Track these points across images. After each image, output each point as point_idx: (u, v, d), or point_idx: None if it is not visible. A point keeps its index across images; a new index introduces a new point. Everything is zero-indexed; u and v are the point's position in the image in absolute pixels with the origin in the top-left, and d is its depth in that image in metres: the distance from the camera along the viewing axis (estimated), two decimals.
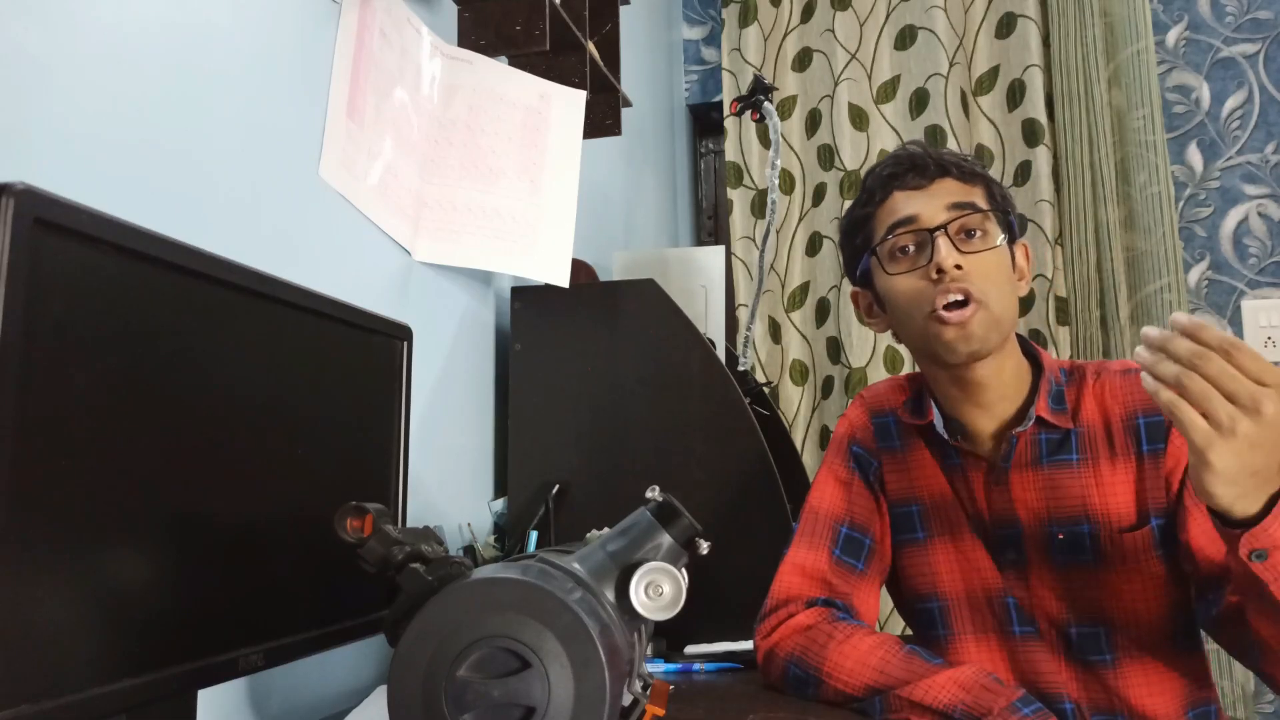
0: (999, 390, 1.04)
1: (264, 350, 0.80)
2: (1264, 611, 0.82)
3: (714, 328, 1.71)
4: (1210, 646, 1.04)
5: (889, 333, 1.14)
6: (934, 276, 0.99)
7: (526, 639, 0.62)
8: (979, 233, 1.02)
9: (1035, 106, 2.33)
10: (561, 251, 1.47)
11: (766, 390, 2.19)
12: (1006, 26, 2.39)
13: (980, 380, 1.03)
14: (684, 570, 0.74)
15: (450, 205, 1.42)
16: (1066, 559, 1.01)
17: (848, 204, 2.40)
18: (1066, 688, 1.01)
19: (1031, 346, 1.09)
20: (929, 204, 1.02)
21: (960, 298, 0.98)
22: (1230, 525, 0.79)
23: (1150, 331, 0.76)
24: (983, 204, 1.04)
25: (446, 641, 0.63)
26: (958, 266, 0.98)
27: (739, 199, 2.60)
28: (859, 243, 1.10)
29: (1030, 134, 2.33)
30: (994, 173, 2.11)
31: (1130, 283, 2.26)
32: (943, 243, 1.00)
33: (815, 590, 1.07)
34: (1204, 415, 0.74)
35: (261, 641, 0.77)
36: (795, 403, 2.48)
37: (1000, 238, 1.03)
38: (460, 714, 0.62)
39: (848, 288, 2.39)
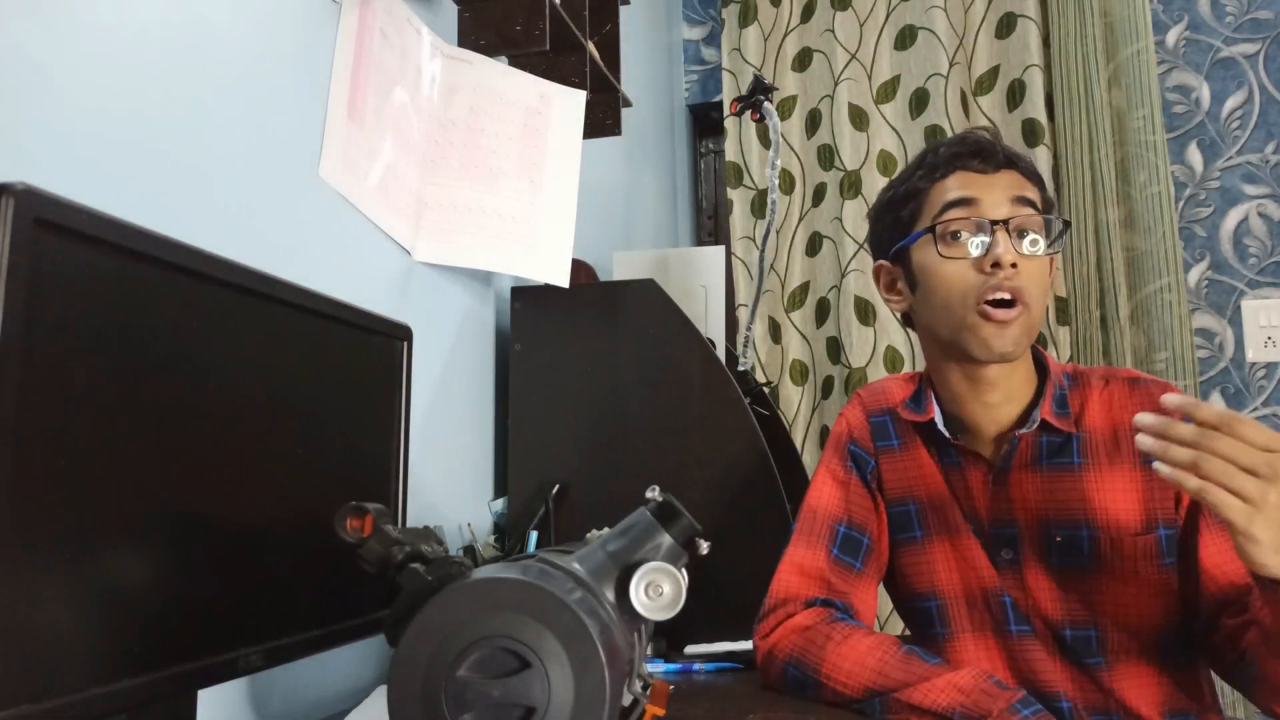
0: (1007, 391, 1.04)
1: (264, 350, 0.81)
2: None
3: (714, 328, 1.71)
4: None
5: (892, 327, 1.14)
6: (988, 270, 0.98)
7: (526, 639, 0.62)
8: (1032, 235, 1.01)
9: (1035, 106, 2.33)
10: (561, 251, 1.47)
11: (766, 390, 2.19)
12: (1006, 26, 2.39)
13: (992, 380, 1.03)
14: (684, 570, 0.74)
15: (450, 205, 1.42)
16: (1063, 561, 1.01)
17: (848, 204, 2.42)
18: (1063, 686, 1.00)
19: (1037, 349, 1.09)
20: (991, 192, 1.01)
21: (1009, 296, 0.98)
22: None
23: (1144, 418, 0.78)
24: (1040, 206, 1.03)
25: (446, 641, 0.63)
26: (1014, 265, 0.98)
27: (739, 199, 2.60)
28: (905, 215, 1.06)
29: (1030, 134, 2.33)
30: None
31: (1130, 283, 2.26)
32: (1002, 237, 0.98)
33: (814, 590, 1.07)
34: (1233, 493, 0.76)
35: (261, 641, 0.77)
36: (795, 403, 2.48)
37: (1047, 248, 1.02)
38: (460, 714, 0.62)
39: (848, 287, 2.39)
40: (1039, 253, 1.01)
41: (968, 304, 1.00)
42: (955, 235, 1.01)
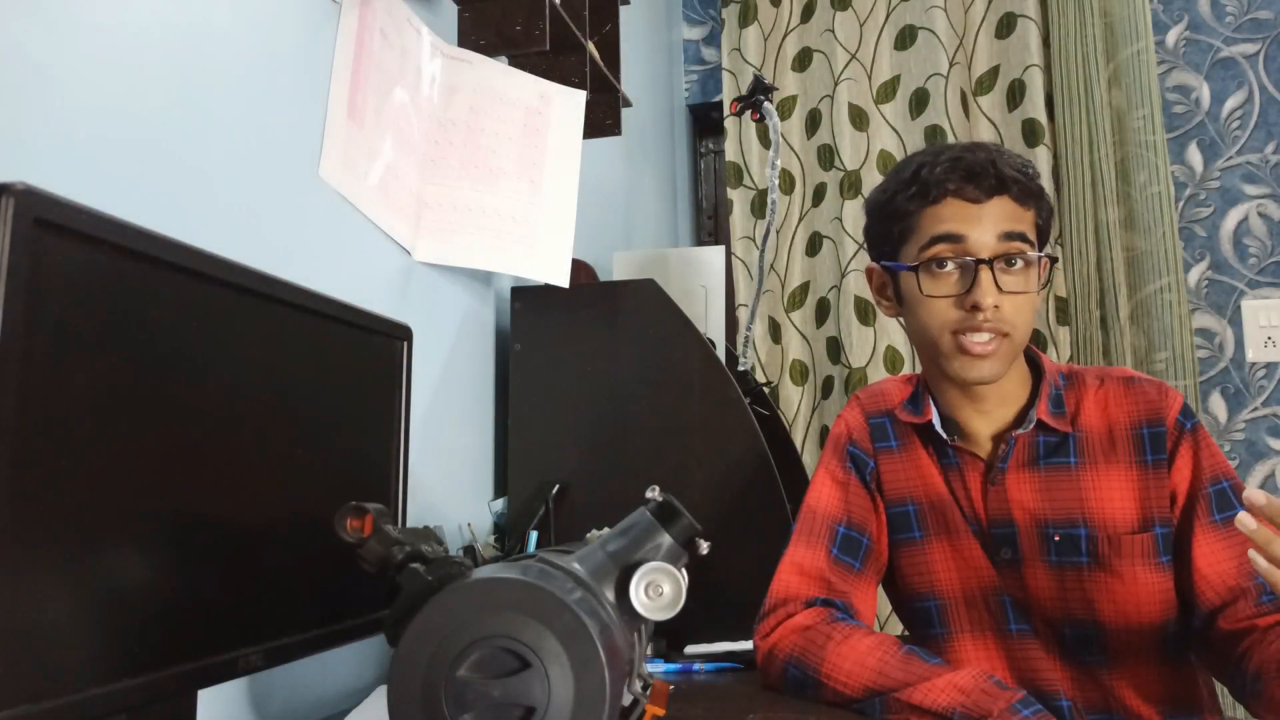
0: (1000, 396, 1.05)
1: (264, 350, 0.81)
2: None
3: (714, 328, 1.71)
4: None
5: (891, 326, 1.14)
6: (968, 309, 0.99)
7: (526, 639, 0.62)
8: (1021, 264, 1.00)
9: (1035, 106, 2.33)
10: (561, 251, 1.47)
11: (766, 390, 2.19)
12: (1006, 26, 2.39)
13: (983, 390, 1.04)
14: (684, 570, 0.74)
15: (450, 205, 1.42)
16: (1061, 560, 1.01)
17: (848, 204, 2.42)
18: (1062, 685, 1.01)
19: (1032, 350, 1.09)
20: (980, 226, 0.99)
21: (987, 335, 0.99)
22: None
23: (1257, 498, 0.76)
24: (1031, 234, 1.01)
25: (446, 641, 0.63)
26: (996, 306, 0.98)
27: (739, 199, 2.60)
28: (895, 231, 1.05)
29: (1030, 134, 2.33)
30: None
31: (1130, 283, 2.26)
32: (985, 278, 0.98)
33: (814, 589, 1.07)
34: None
35: (261, 641, 0.77)
36: (795, 403, 2.48)
37: (1038, 271, 1.01)
38: (460, 714, 0.62)
39: (848, 287, 2.39)
40: (1028, 288, 1.00)
41: (946, 336, 1.01)
42: (941, 265, 1.01)
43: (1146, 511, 1.00)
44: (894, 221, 1.06)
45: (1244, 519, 0.76)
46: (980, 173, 1.00)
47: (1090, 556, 1.00)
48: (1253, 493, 0.76)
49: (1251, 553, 0.77)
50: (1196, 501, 0.99)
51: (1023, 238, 1.00)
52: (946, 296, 1.00)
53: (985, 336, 0.99)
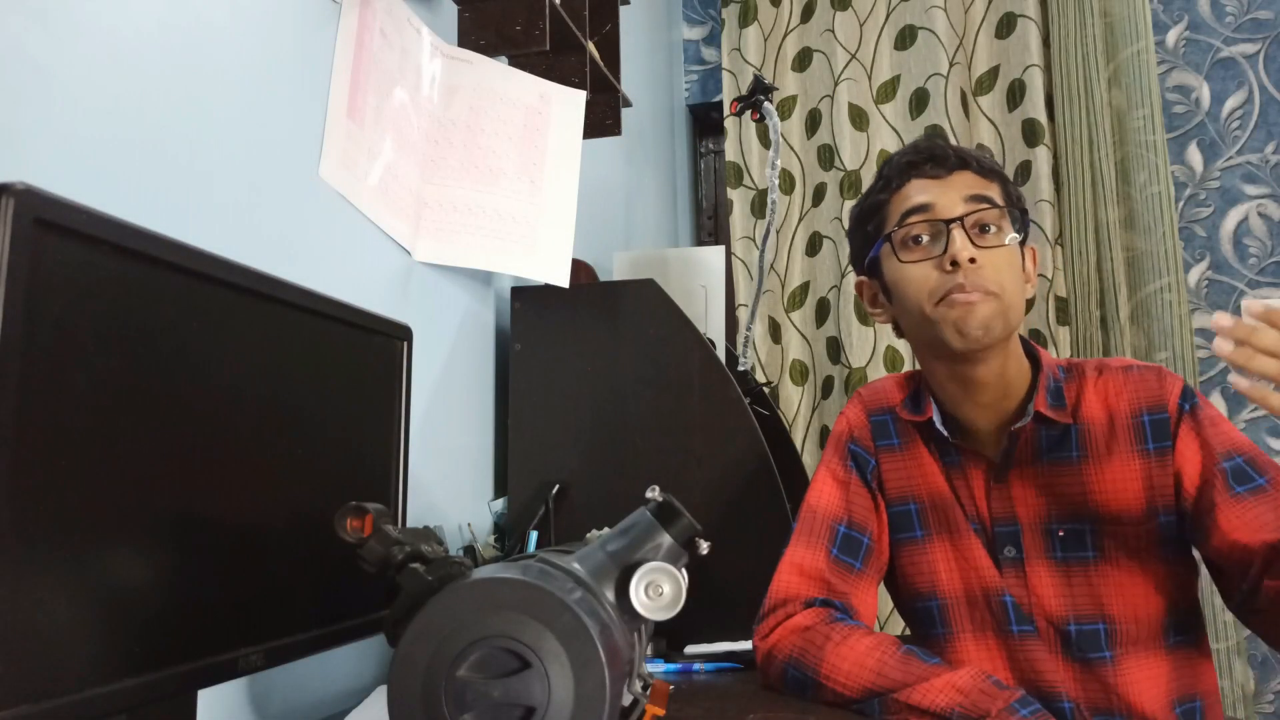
0: (999, 389, 1.05)
1: (264, 350, 0.80)
2: None
3: (714, 328, 1.71)
4: (1216, 646, 1.04)
5: (890, 329, 1.14)
6: (948, 268, 1.00)
7: (526, 639, 0.62)
8: (994, 228, 1.02)
9: (1035, 106, 2.33)
10: (561, 251, 1.47)
11: (766, 390, 2.19)
12: (1006, 26, 2.39)
13: (981, 379, 1.03)
14: (684, 570, 0.74)
15: (450, 205, 1.42)
16: (1067, 555, 1.01)
17: (848, 204, 2.42)
18: (1065, 686, 1.01)
19: (1031, 346, 1.09)
20: (946, 194, 1.02)
21: (971, 292, 0.99)
22: None
23: (1223, 320, 0.75)
24: (999, 200, 1.04)
25: (446, 641, 0.63)
26: (972, 260, 0.98)
27: (739, 199, 2.60)
28: (870, 230, 1.09)
29: (1030, 134, 2.33)
30: None
31: (1130, 283, 2.26)
32: (958, 235, 1.00)
33: (814, 590, 1.07)
34: None
35: (261, 641, 0.77)
36: (795, 403, 2.48)
37: (1013, 236, 1.03)
38: (460, 714, 0.62)
39: (848, 287, 2.39)
40: (1002, 242, 1.02)
41: (932, 301, 1.01)
42: (915, 240, 1.03)
43: (1151, 501, 1.00)
44: (868, 220, 1.09)
45: (1220, 346, 0.76)
46: (940, 153, 1.04)
47: (1095, 550, 1.00)
48: (1220, 315, 0.76)
49: (1232, 376, 0.77)
50: (1213, 479, 0.96)
51: (990, 201, 1.02)
52: (924, 260, 1.02)
53: (970, 292, 0.99)
